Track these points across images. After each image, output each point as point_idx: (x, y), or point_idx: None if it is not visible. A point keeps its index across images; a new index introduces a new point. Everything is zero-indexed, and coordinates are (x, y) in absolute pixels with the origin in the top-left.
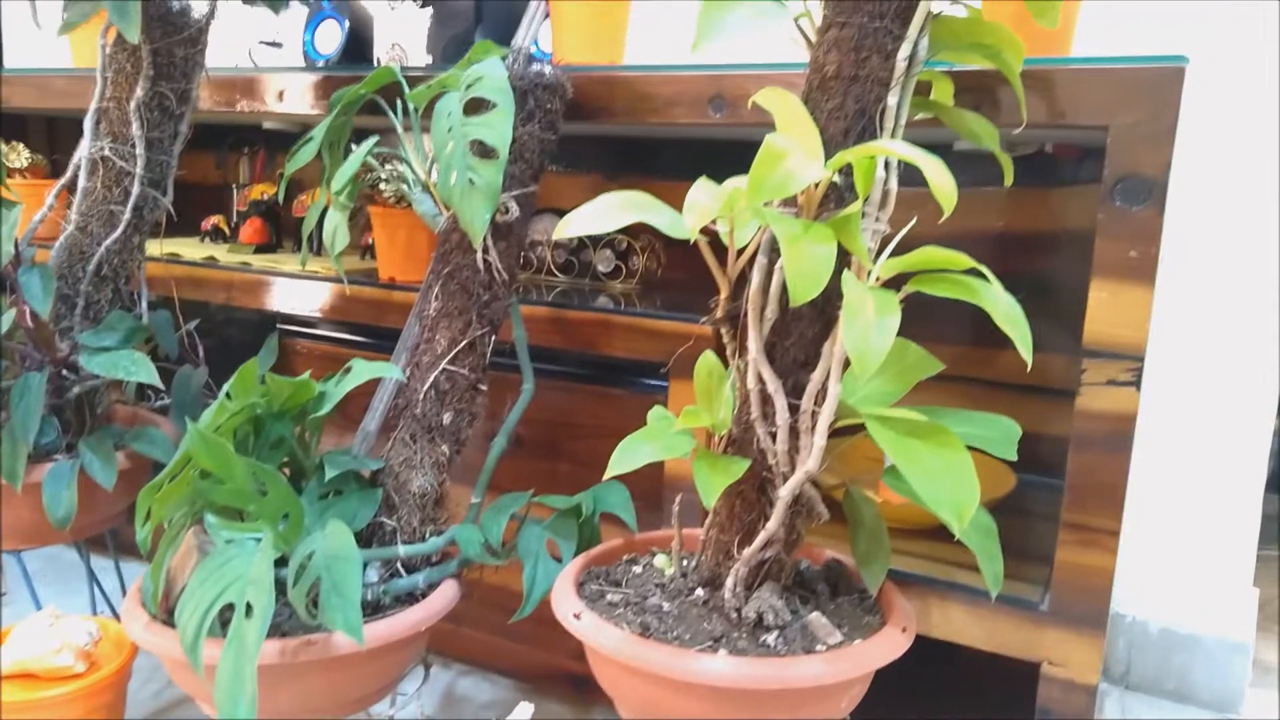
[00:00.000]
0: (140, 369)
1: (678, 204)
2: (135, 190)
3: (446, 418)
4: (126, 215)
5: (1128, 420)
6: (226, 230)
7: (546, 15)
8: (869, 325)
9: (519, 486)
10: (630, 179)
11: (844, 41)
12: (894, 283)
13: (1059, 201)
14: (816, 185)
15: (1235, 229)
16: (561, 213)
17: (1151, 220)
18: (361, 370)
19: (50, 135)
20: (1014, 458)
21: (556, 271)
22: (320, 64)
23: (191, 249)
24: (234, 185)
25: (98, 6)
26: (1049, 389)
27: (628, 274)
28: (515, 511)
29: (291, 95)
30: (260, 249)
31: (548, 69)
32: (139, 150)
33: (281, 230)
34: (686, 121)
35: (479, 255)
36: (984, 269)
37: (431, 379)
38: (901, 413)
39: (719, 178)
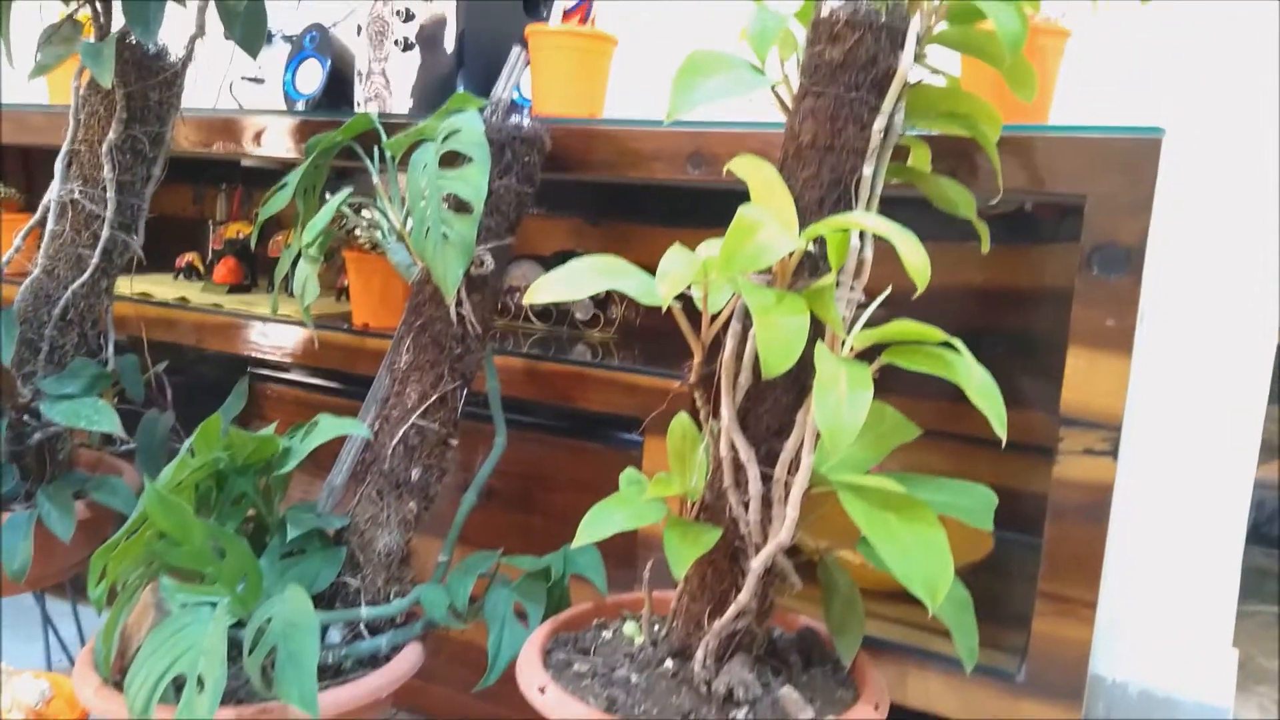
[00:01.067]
0: (103, 418)
1: (659, 250)
2: (105, 234)
3: (415, 474)
4: (95, 259)
5: (1104, 490)
6: (201, 268)
7: (527, 64)
8: (841, 401)
9: (490, 540)
10: (612, 223)
11: (820, 111)
12: (869, 352)
13: (1039, 259)
14: (791, 254)
15: (1214, 284)
16: (541, 259)
17: (1129, 289)
18: (328, 427)
19: (27, 169)
20: (990, 528)
21: (534, 318)
22: (300, 104)
23: (165, 287)
24: (211, 221)
25: (71, 50)
26: (1029, 445)
27: (606, 322)
28: (484, 571)
29: (269, 138)
30: (234, 289)
31: (526, 121)
32: (110, 194)
33: (257, 269)
34: (665, 178)
35: (452, 308)
36: (956, 342)
37: (401, 434)
38: (876, 481)
39: (701, 224)
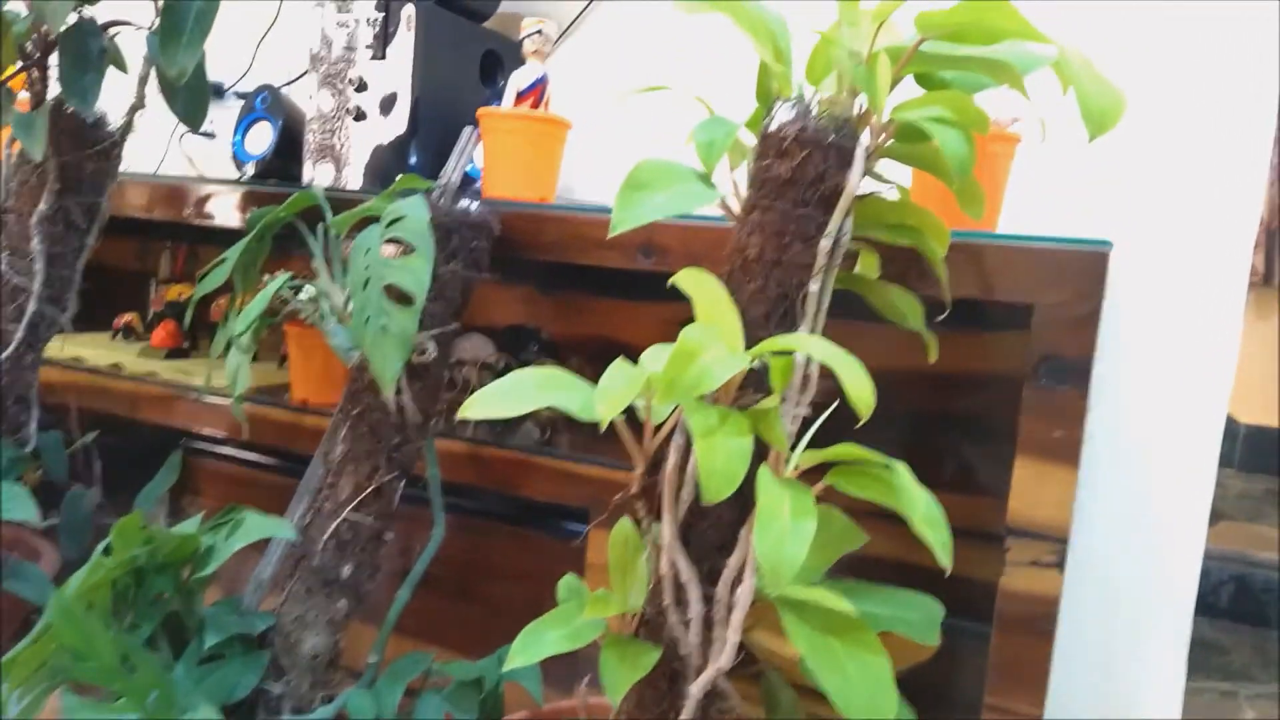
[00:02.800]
0: (18, 506)
1: (614, 321)
2: (31, 308)
3: (346, 570)
4: (19, 334)
5: (1051, 603)
6: (140, 329)
7: (479, 141)
8: (784, 532)
9: (426, 630)
10: (564, 293)
11: (767, 225)
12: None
13: (992, 344)
14: None
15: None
16: (493, 332)
17: (1075, 401)
18: (253, 526)
19: None
20: (935, 642)
21: None
22: (249, 166)
23: (100, 349)
24: (154, 280)
25: (3, 122)
26: (980, 532)
27: None
28: (414, 677)
29: (213, 207)
30: (173, 354)
31: (474, 206)
32: (38, 266)
33: (197, 333)
34: (616, 265)
35: (390, 399)
36: (900, 465)
37: (332, 528)
38: (820, 595)
39: (656, 296)
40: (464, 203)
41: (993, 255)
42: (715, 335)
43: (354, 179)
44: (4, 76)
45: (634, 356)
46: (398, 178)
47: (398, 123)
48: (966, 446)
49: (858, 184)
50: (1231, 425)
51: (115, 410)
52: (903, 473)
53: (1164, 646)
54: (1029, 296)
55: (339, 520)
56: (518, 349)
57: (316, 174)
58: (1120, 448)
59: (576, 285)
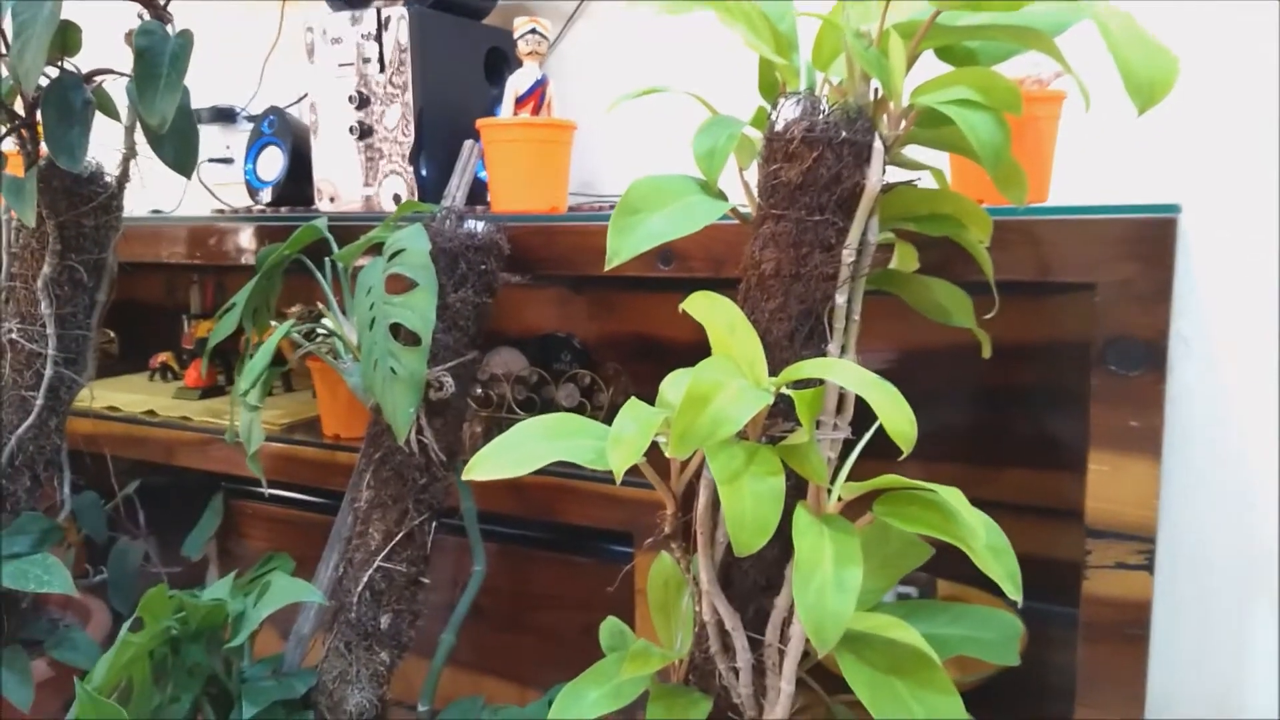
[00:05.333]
0: (54, 578)
1: (650, 316)
2: (48, 373)
3: (384, 621)
4: (39, 401)
5: (1142, 607)
6: (176, 367)
7: (480, 156)
8: (826, 584)
9: (478, 660)
10: (598, 290)
11: (781, 236)
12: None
13: (1058, 309)
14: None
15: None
16: (523, 343)
17: (1151, 386)
18: (281, 591)
19: None
20: (1015, 662)
21: (517, 409)
22: (264, 192)
23: (136, 393)
24: (185, 315)
25: None
26: (1058, 510)
27: (593, 409)
28: None
29: (228, 244)
30: (207, 392)
31: (480, 227)
32: (50, 330)
33: (232, 366)
34: (634, 274)
35: (410, 441)
36: (951, 492)
37: (366, 579)
38: (880, 624)
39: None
40: (469, 224)
41: (1046, 231)
42: (732, 368)
43: (360, 201)
44: None
45: (672, 353)
46: (401, 202)
47: (403, 136)
48: (1036, 419)
49: (879, 181)
50: None
51: (154, 457)
52: (956, 499)
53: (1269, 643)
54: (1090, 275)
55: (371, 569)
56: (549, 360)
57: (320, 205)
58: (1212, 437)
59: (609, 281)
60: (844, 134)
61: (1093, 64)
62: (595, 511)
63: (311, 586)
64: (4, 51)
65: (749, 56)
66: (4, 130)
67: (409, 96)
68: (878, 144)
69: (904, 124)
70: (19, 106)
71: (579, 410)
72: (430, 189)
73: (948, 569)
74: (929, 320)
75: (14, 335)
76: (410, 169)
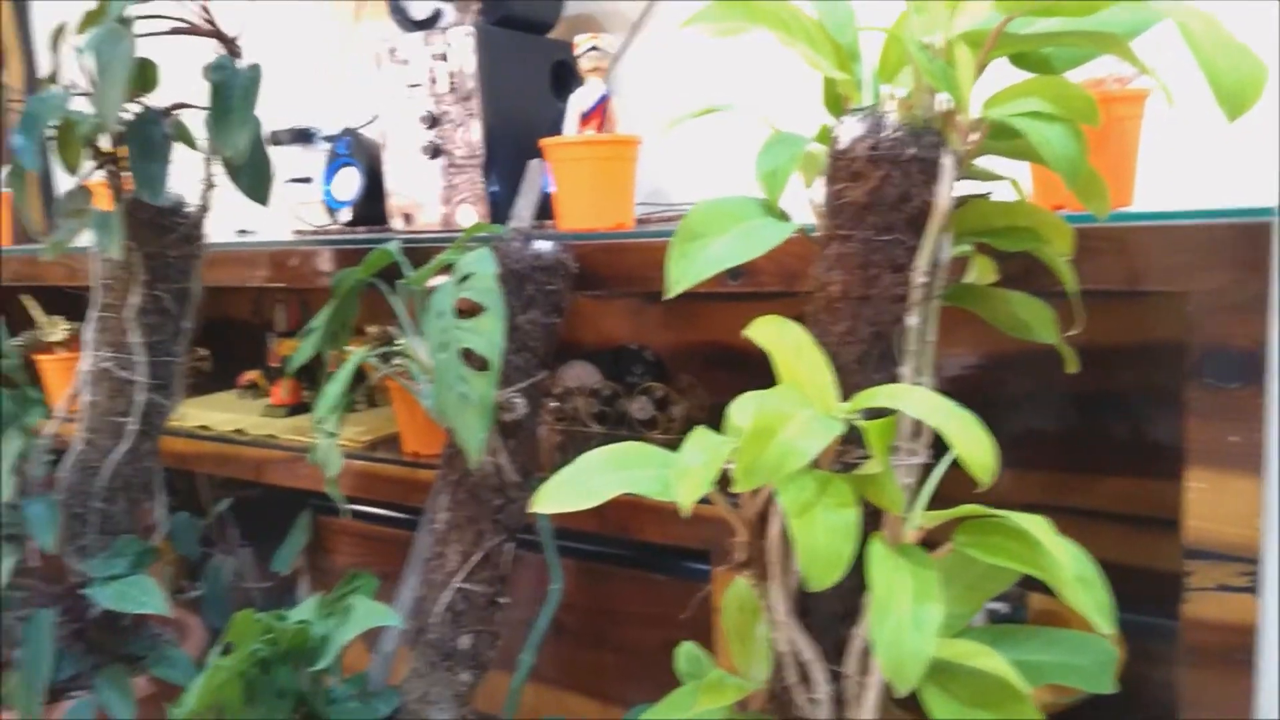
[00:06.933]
0: (150, 599)
1: (727, 325)
2: (140, 399)
3: (464, 642)
4: (133, 426)
5: (1246, 631)
6: (264, 385)
7: (545, 173)
8: (904, 623)
9: (560, 676)
10: (670, 301)
11: (848, 258)
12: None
13: (1149, 310)
14: None
15: None
16: (596, 356)
17: (1251, 399)
18: (362, 615)
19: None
20: (1112, 689)
21: (590, 422)
22: (342, 212)
23: (226, 411)
24: (270, 333)
25: (84, 222)
26: (1156, 519)
27: (667, 422)
28: None
29: (308, 267)
30: (294, 410)
31: (546, 247)
32: (140, 358)
33: (319, 382)
34: (703, 290)
35: (486, 461)
36: (1036, 520)
37: (445, 600)
38: (965, 651)
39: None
40: (536, 245)
41: (1134, 238)
42: (800, 397)
43: (437, 219)
44: (80, 177)
45: (749, 362)
46: (468, 225)
47: (473, 154)
48: (1131, 424)
49: (949, 198)
50: None
51: (244, 474)
52: (1040, 529)
53: None
54: (1182, 283)
55: (450, 591)
56: (622, 372)
57: (394, 223)
58: None
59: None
60: (911, 150)
61: (1171, 57)
62: (673, 529)
63: (390, 610)
64: (90, 91)
65: (801, 67)
66: (93, 167)
67: (478, 114)
68: (947, 159)
69: (975, 136)
70: (104, 143)
71: (652, 423)
72: (500, 206)
73: (1040, 582)
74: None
75: (107, 364)
76: (482, 186)
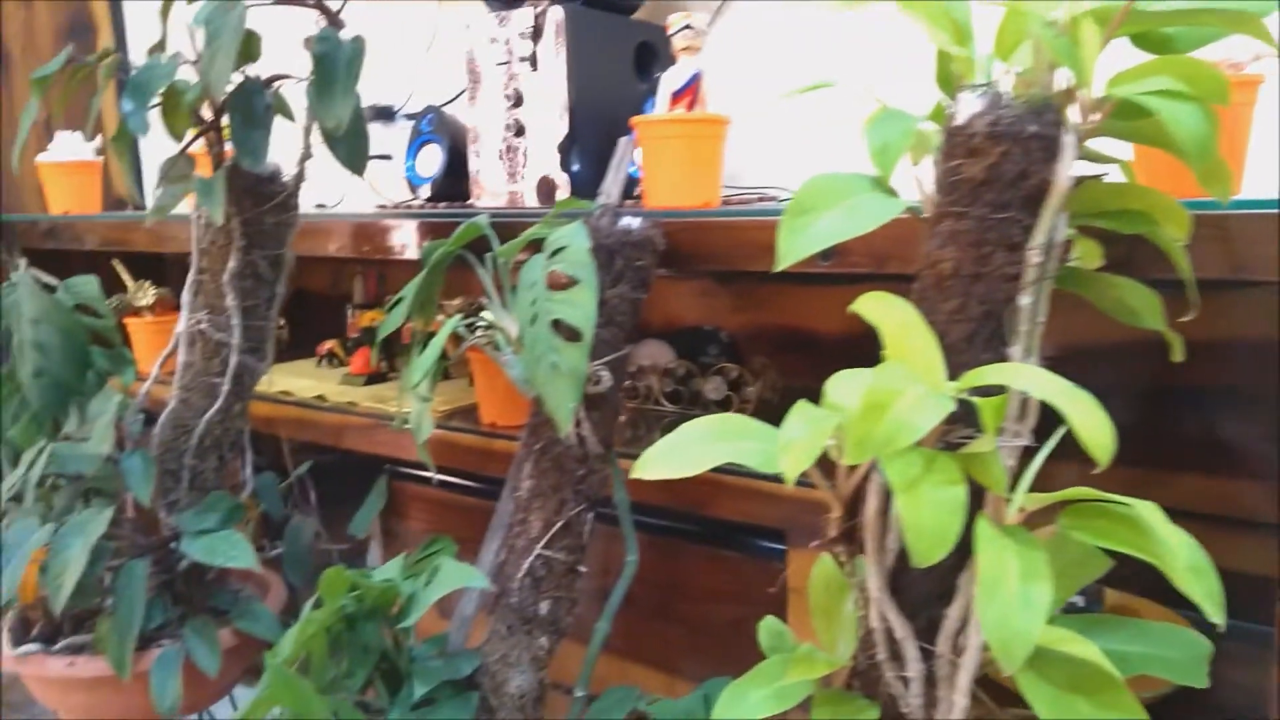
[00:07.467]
0: (239, 554)
1: (801, 309)
2: (233, 361)
3: (544, 607)
4: (226, 386)
5: None
6: (342, 354)
7: (635, 149)
8: (1012, 601)
9: (629, 649)
10: (744, 283)
11: (962, 235)
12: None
13: (1239, 304)
14: None
15: None
16: (670, 335)
17: None
18: (449, 576)
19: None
20: (1204, 684)
21: (665, 401)
22: (424, 188)
23: (306, 379)
24: (349, 305)
25: (188, 187)
26: (1239, 519)
27: (741, 403)
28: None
29: (392, 240)
30: (372, 379)
31: (635, 223)
32: (235, 321)
33: (395, 355)
34: (792, 270)
35: (571, 431)
36: (1147, 506)
37: (526, 565)
38: (1060, 638)
39: (847, 279)
40: (625, 221)
41: (1240, 226)
42: (910, 373)
43: (529, 196)
44: (184, 143)
45: (823, 346)
46: (559, 200)
47: (558, 133)
48: (1213, 421)
49: (1068, 177)
50: None
51: (323, 439)
52: (1152, 514)
53: None
54: None
55: (532, 557)
56: (696, 353)
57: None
58: None
59: (755, 274)
60: (1032, 127)
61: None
62: (748, 507)
63: (478, 572)
64: (194, 59)
65: (896, 47)
66: (195, 134)
67: (563, 94)
68: (1068, 137)
69: (1096, 116)
70: (205, 111)
71: (725, 404)
72: (582, 185)
73: (1113, 578)
74: (1092, 314)
75: (203, 326)
76: (563, 164)
